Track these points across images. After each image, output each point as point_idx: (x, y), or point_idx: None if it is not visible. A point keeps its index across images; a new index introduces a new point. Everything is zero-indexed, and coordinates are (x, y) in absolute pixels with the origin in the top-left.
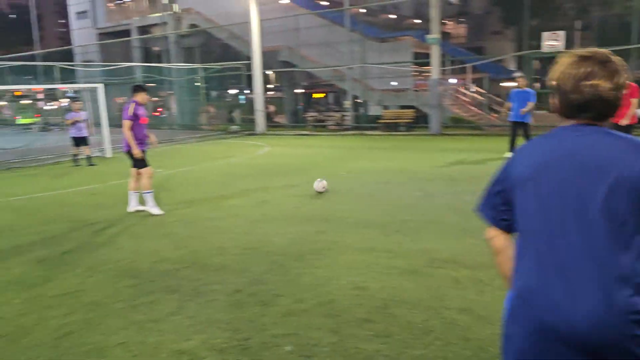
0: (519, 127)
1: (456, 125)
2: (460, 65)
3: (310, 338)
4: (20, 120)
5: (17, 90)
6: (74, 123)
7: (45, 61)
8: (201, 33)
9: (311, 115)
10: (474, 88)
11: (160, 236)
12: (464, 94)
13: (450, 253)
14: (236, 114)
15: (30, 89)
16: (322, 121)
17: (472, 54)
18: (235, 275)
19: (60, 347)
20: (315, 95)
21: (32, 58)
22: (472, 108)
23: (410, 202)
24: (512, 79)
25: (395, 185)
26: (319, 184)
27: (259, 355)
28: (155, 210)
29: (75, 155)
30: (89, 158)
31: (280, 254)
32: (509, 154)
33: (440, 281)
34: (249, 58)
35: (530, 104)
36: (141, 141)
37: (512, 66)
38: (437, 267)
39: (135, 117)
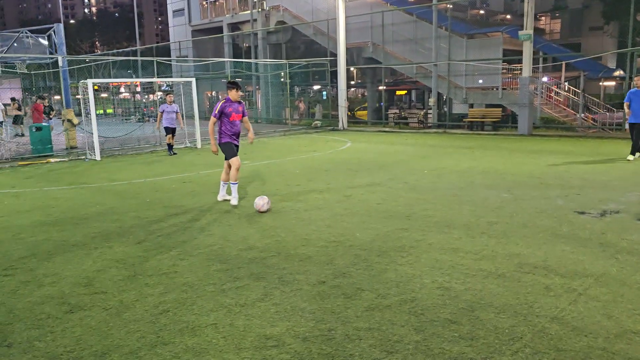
0: (635, 128)
1: (547, 126)
2: (554, 63)
3: (393, 334)
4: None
5: (121, 82)
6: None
7: (144, 56)
8: (288, 29)
9: (394, 112)
10: (568, 87)
11: (248, 225)
12: (557, 93)
13: (540, 259)
14: (317, 110)
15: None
16: (405, 118)
17: (567, 51)
18: (319, 267)
19: (157, 324)
20: (398, 92)
21: (133, 53)
22: (566, 108)
23: (497, 204)
24: (613, 78)
25: (481, 186)
26: (261, 201)
27: (343, 346)
28: (234, 201)
29: (169, 144)
30: (171, 147)
31: (363, 248)
32: (631, 157)
33: (529, 287)
34: (333, 54)
35: None
36: (232, 136)
37: (611, 64)
38: (526, 273)
39: (222, 115)
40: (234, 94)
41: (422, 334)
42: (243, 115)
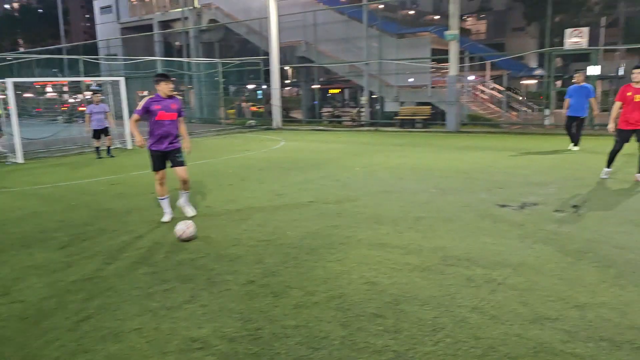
0: (574, 121)
1: (474, 123)
2: (479, 62)
3: (320, 331)
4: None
5: (45, 82)
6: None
7: (70, 55)
8: (220, 28)
9: (327, 110)
10: (493, 85)
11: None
12: (483, 92)
13: (463, 251)
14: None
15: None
16: (338, 117)
17: (492, 51)
18: (248, 267)
19: (78, 331)
20: (331, 91)
21: (58, 51)
22: (491, 106)
23: (425, 199)
24: (533, 77)
25: (410, 181)
26: (182, 227)
27: (269, 345)
28: (190, 212)
29: (97, 147)
30: (109, 149)
31: (294, 246)
32: (574, 147)
33: (452, 279)
34: (267, 53)
35: (593, 100)
36: (161, 139)
37: (533, 63)
38: (450, 265)
39: (147, 112)
40: (163, 88)
41: (348, 329)
42: (179, 115)
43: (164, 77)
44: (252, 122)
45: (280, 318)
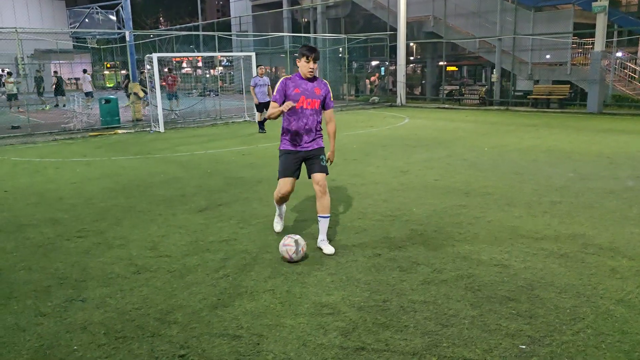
0: None
1: (619, 104)
2: (630, 37)
3: (449, 308)
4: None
5: (183, 57)
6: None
7: (205, 32)
8: (347, 3)
9: (454, 88)
10: None
11: (305, 197)
12: (633, 70)
13: (607, 240)
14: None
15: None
16: (465, 95)
17: None
18: (374, 240)
19: (217, 287)
20: (450, 68)
21: (195, 29)
22: None
23: (562, 183)
24: None
25: (544, 164)
26: (290, 246)
27: (397, 317)
28: (328, 250)
29: (259, 122)
30: (262, 124)
31: (420, 223)
32: None
33: (594, 268)
34: (393, 29)
35: None
36: (295, 137)
37: None
38: (591, 254)
39: (284, 98)
40: (304, 66)
41: (479, 310)
42: (323, 105)
43: (308, 50)
44: (376, 98)
45: (407, 292)
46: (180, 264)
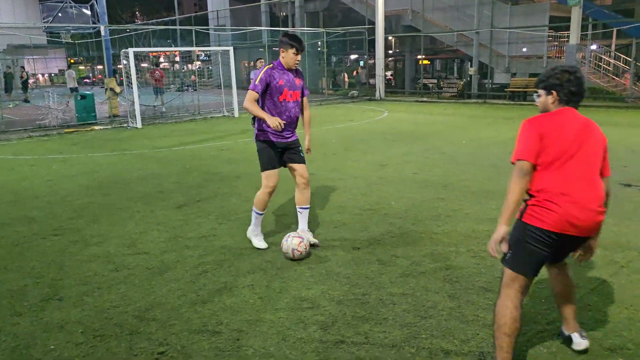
0: None
1: (594, 96)
2: (604, 30)
3: (428, 300)
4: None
5: (160, 51)
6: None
7: (182, 26)
8: None
9: (432, 82)
10: (619, 55)
11: (284, 192)
12: (607, 62)
13: None
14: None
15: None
16: (443, 88)
17: (619, 17)
18: (353, 234)
19: (196, 283)
20: (423, 63)
21: (172, 23)
22: (615, 78)
23: None
24: None
25: None
26: (294, 244)
27: (377, 310)
28: (311, 239)
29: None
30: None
31: (399, 217)
32: None
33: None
34: (371, 22)
35: None
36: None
37: None
38: None
39: (267, 90)
40: (289, 57)
41: (457, 301)
42: (302, 95)
43: (295, 41)
44: (355, 92)
45: (386, 285)
46: (159, 261)
